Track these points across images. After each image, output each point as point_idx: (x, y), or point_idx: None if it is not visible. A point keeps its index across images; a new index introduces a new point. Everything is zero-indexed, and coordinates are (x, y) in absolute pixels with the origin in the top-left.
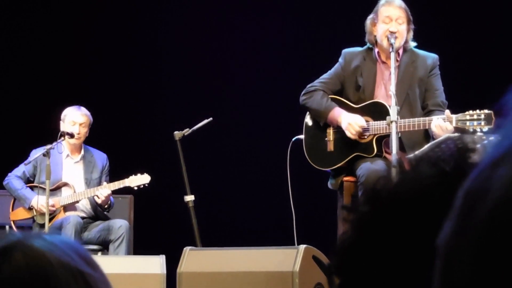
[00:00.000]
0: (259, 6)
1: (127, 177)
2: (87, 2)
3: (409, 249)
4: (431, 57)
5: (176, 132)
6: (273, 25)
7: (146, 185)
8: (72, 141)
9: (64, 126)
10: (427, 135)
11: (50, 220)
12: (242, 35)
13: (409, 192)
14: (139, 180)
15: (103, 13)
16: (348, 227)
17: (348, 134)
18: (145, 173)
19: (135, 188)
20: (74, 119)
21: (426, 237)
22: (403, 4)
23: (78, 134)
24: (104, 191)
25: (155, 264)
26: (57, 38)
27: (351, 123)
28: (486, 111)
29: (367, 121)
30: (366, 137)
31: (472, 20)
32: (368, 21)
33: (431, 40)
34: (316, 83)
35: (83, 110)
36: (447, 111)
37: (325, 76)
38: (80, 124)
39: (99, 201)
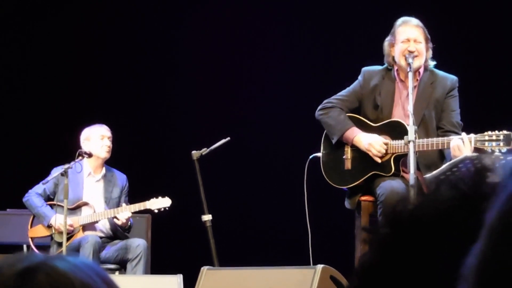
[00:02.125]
0: (277, 24)
1: (147, 198)
2: (105, 24)
3: (429, 272)
4: (450, 79)
5: (193, 152)
6: (291, 43)
7: (167, 208)
8: (104, 154)
9: (89, 145)
10: (442, 155)
11: (69, 239)
12: (259, 54)
13: (429, 214)
14: (160, 203)
15: (120, 35)
16: (368, 249)
17: (371, 154)
18: (166, 197)
19: (156, 211)
20: (103, 133)
21: (446, 259)
22: (420, 23)
23: (109, 147)
24: (124, 214)
25: (173, 283)
26: (76, 59)
27: (372, 143)
28: (505, 132)
29: (385, 143)
30: (384, 155)
31: (490, 38)
32: (386, 43)
33: (448, 58)
34: (333, 99)
35: (105, 126)
36: (472, 135)
37: (342, 93)
38: (108, 138)
39: (119, 223)
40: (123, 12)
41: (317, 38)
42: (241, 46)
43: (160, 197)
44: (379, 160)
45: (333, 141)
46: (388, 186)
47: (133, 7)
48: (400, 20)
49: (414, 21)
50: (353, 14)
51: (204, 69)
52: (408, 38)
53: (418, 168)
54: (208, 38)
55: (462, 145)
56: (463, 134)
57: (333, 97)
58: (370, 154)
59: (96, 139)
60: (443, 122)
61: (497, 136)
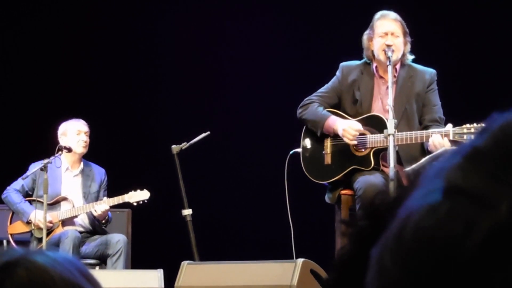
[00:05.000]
0: (257, 20)
1: (127, 192)
2: (83, 18)
3: None
4: (429, 72)
5: (173, 146)
6: (270, 39)
7: (146, 201)
8: (80, 150)
9: (66, 140)
10: (423, 149)
11: (48, 234)
12: (240, 49)
13: None
14: (139, 196)
15: (100, 28)
16: (346, 242)
17: (346, 140)
18: (144, 189)
19: (134, 204)
20: (79, 128)
21: None
22: (398, 17)
23: (85, 142)
24: (101, 206)
25: (153, 278)
26: (54, 53)
27: (346, 128)
28: (483, 124)
29: (364, 134)
30: (363, 150)
31: (470, 31)
32: (364, 37)
33: (428, 52)
34: (313, 96)
35: (82, 120)
36: (449, 125)
37: (322, 89)
38: (85, 133)
39: (95, 214)
40: (102, 5)
41: (297, 34)
42: (221, 41)
43: (138, 190)
44: (350, 142)
45: (318, 134)
46: (366, 180)
47: (112, 1)
48: (379, 14)
49: (392, 15)
50: (332, 10)
51: (185, 62)
52: (386, 32)
53: (399, 162)
54: (189, 32)
55: (440, 140)
56: (447, 125)
57: (312, 94)
58: (345, 140)
59: (73, 134)
60: (424, 117)
61: (475, 128)
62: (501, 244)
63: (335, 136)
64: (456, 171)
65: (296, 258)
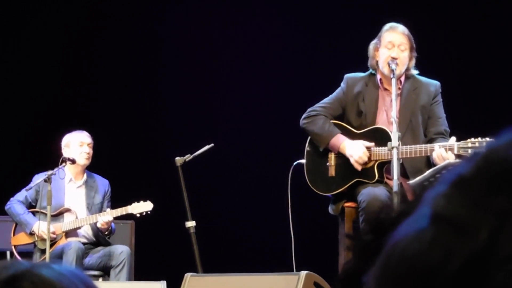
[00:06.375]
0: (261, 32)
1: (130, 203)
2: (86, 29)
3: None
4: (434, 84)
5: (177, 158)
6: (275, 50)
7: (149, 212)
8: (82, 161)
9: (69, 152)
10: (428, 161)
11: (52, 245)
12: (243, 60)
13: None
14: (142, 207)
15: (103, 39)
16: (351, 255)
17: (353, 163)
18: (148, 201)
19: (138, 215)
20: (82, 140)
21: None
22: (406, 31)
23: (88, 153)
24: (105, 217)
25: None
26: (58, 64)
27: (354, 152)
28: (487, 139)
29: (368, 147)
30: (367, 162)
31: (474, 42)
32: (371, 46)
33: (432, 64)
34: (317, 107)
35: (85, 132)
36: (453, 138)
37: (326, 100)
38: (88, 144)
39: (99, 225)
40: (105, 17)
41: (301, 45)
42: (225, 52)
43: (141, 201)
44: (359, 168)
45: (320, 149)
46: (370, 193)
47: (115, 12)
48: (388, 25)
49: (401, 27)
50: (336, 22)
51: (188, 75)
52: (393, 43)
53: (404, 174)
54: (193, 42)
55: (444, 154)
56: (452, 138)
57: (317, 105)
58: (352, 162)
59: (75, 146)
60: (430, 130)
61: (480, 143)
62: (477, 272)
63: None
64: (441, 199)
65: (296, 270)
